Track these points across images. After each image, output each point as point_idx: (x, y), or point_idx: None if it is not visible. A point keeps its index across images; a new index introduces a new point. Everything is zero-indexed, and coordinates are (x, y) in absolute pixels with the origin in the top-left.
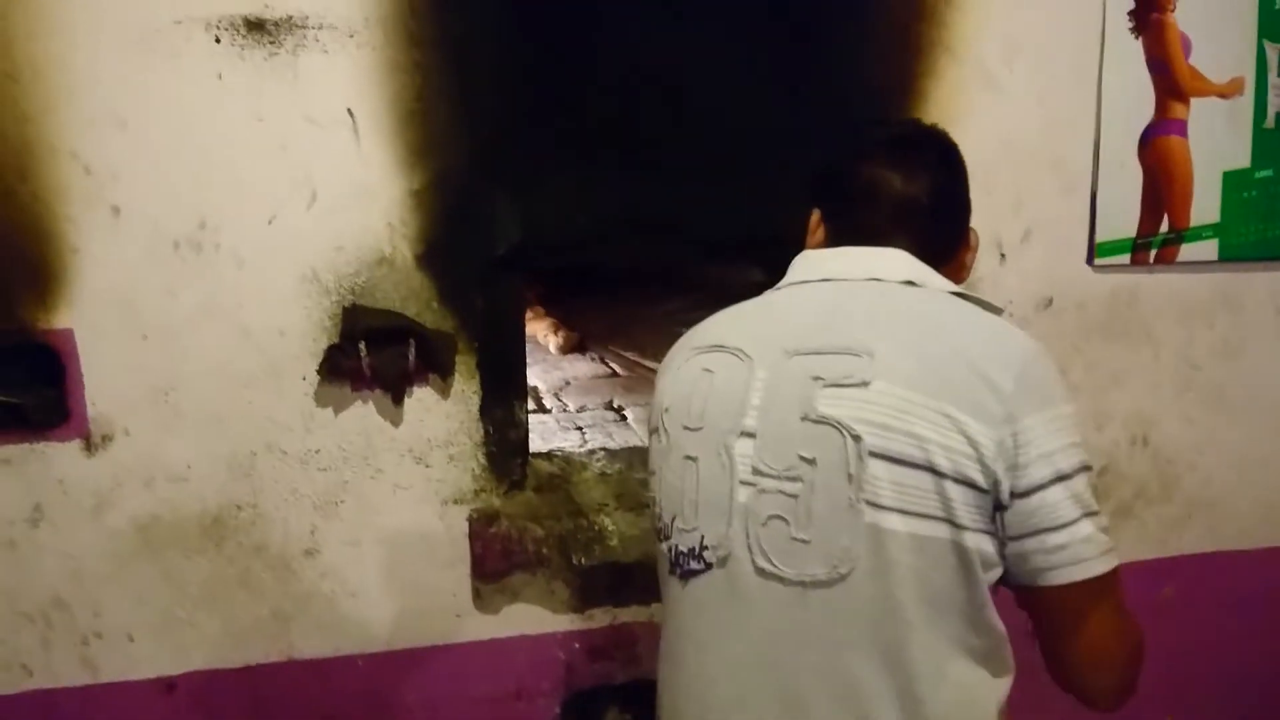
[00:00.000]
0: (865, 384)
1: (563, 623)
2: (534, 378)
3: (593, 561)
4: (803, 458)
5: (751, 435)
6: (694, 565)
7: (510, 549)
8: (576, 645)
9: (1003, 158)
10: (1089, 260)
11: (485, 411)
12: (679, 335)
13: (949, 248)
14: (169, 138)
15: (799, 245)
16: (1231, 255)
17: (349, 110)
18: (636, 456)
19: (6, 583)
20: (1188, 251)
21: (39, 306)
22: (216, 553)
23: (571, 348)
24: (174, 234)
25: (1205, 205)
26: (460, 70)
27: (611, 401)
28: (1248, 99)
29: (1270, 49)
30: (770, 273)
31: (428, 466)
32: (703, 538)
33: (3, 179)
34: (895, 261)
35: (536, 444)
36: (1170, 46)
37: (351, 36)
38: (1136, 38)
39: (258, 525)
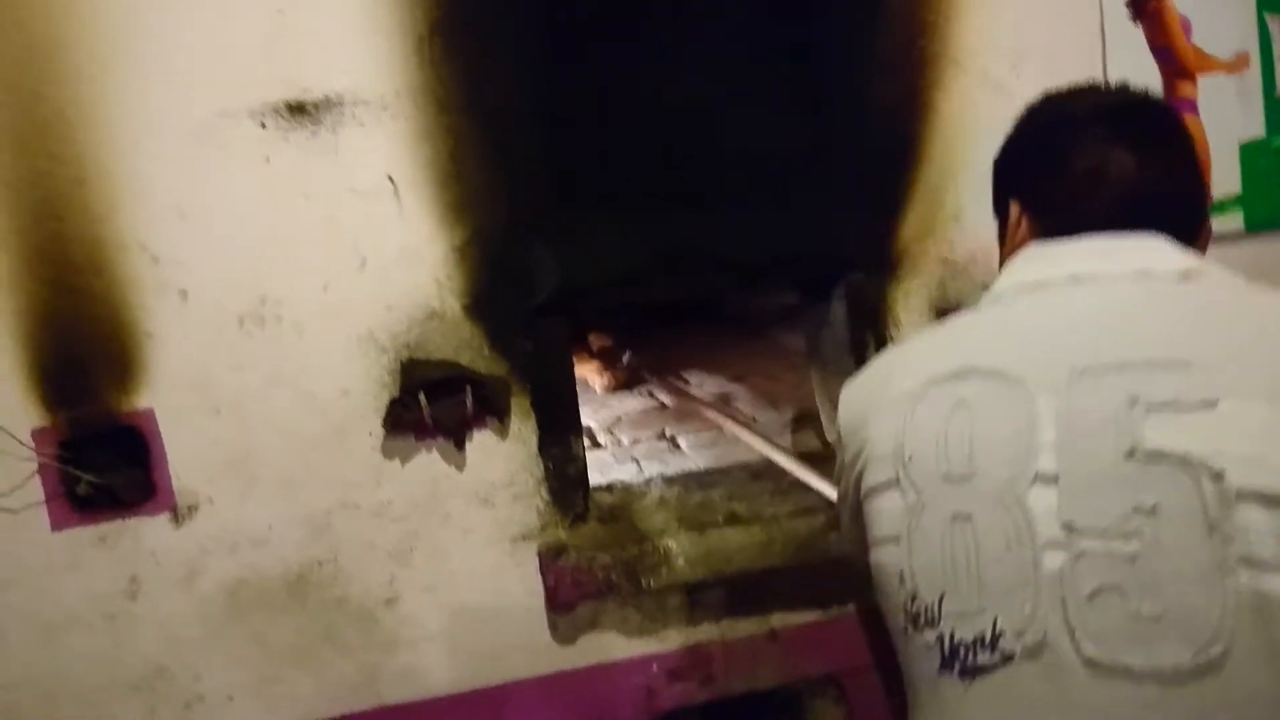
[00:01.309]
0: (1211, 404)
1: (638, 647)
2: (586, 417)
3: (661, 584)
4: (1138, 508)
5: (1052, 481)
6: (984, 658)
7: (580, 579)
8: (655, 668)
9: None
10: None
11: (543, 449)
12: (716, 360)
13: (1192, 237)
14: (226, 221)
15: (830, 260)
16: (1257, 226)
17: (389, 177)
18: (693, 480)
19: (109, 655)
20: (1213, 226)
21: (120, 390)
22: (301, 610)
23: (618, 386)
24: (238, 311)
25: (1225, 178)
26: (490, 130)
27: (663, 431)
28: (1255, 71)
29: (1272, 22)
30: (804, 292)
31: (493, 507)
32: (995, 621)
33: (80, 276)
34: (1162, 251)
35: (595, 478)
36: (1170, 29)
37: (385, 109)
38: (1136, 25)
39: (338, 580)
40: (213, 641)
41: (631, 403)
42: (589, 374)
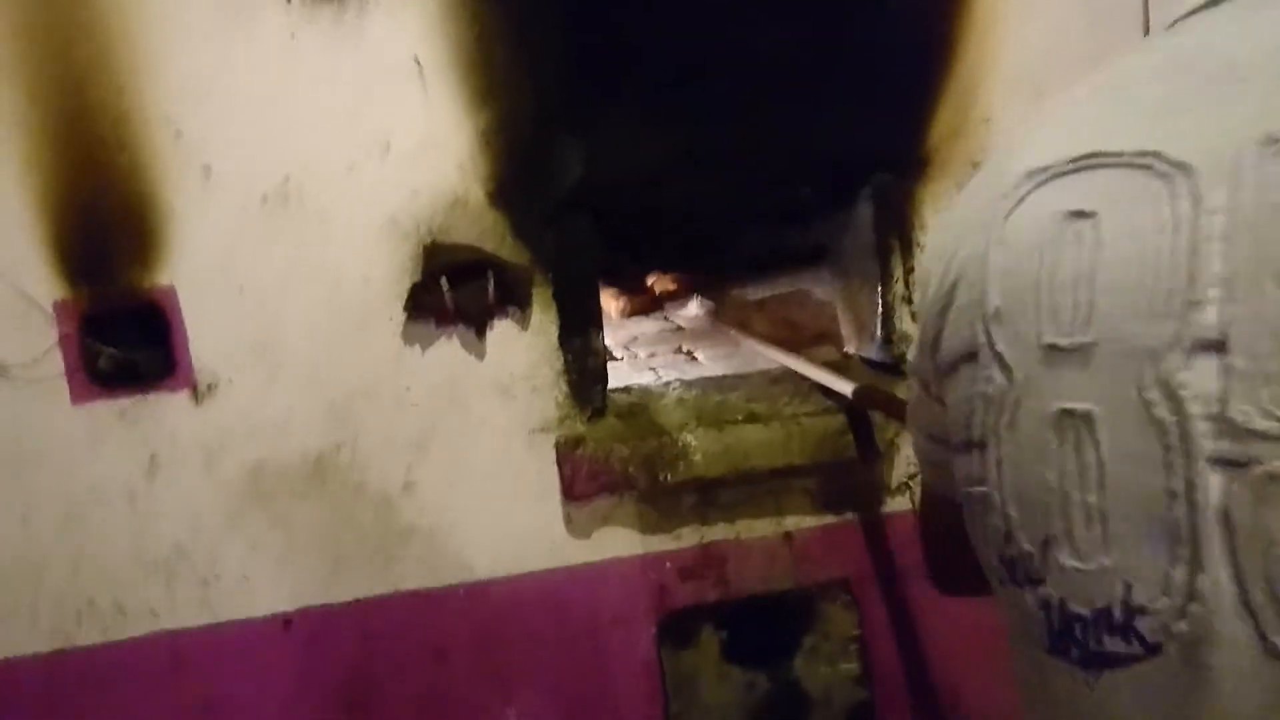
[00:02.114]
0: None
1: (653, 544)
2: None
3: (678, 479)
4: None
5: (1218, 347)
6: (1113, 644)
7: (597, 471)
8: (668, 565)
9: (1052, 62)
10: None
11: (564, 341)
12: (739, 299)
13: None
14: (250, 98)
15: (858, 160)
16: None
17: (415, 59)
18: (712, 384)
19: (132, 533)
20: None
21: (142, 267)
22: (319, 495)
23: (634, 312)
24: (261, 190)
25: None
26: (519, 15)
27: (680, 347)
28: None
29: None
30: (830, 193)
31: (512, 398)
32: (1129, 590)
33: (103, 149)
34: None
35: (613, 383)
36: None
37: None
38: None
39: (356, 466)
40: (231, 523)
41: (647, 325)
42: (605, 299)
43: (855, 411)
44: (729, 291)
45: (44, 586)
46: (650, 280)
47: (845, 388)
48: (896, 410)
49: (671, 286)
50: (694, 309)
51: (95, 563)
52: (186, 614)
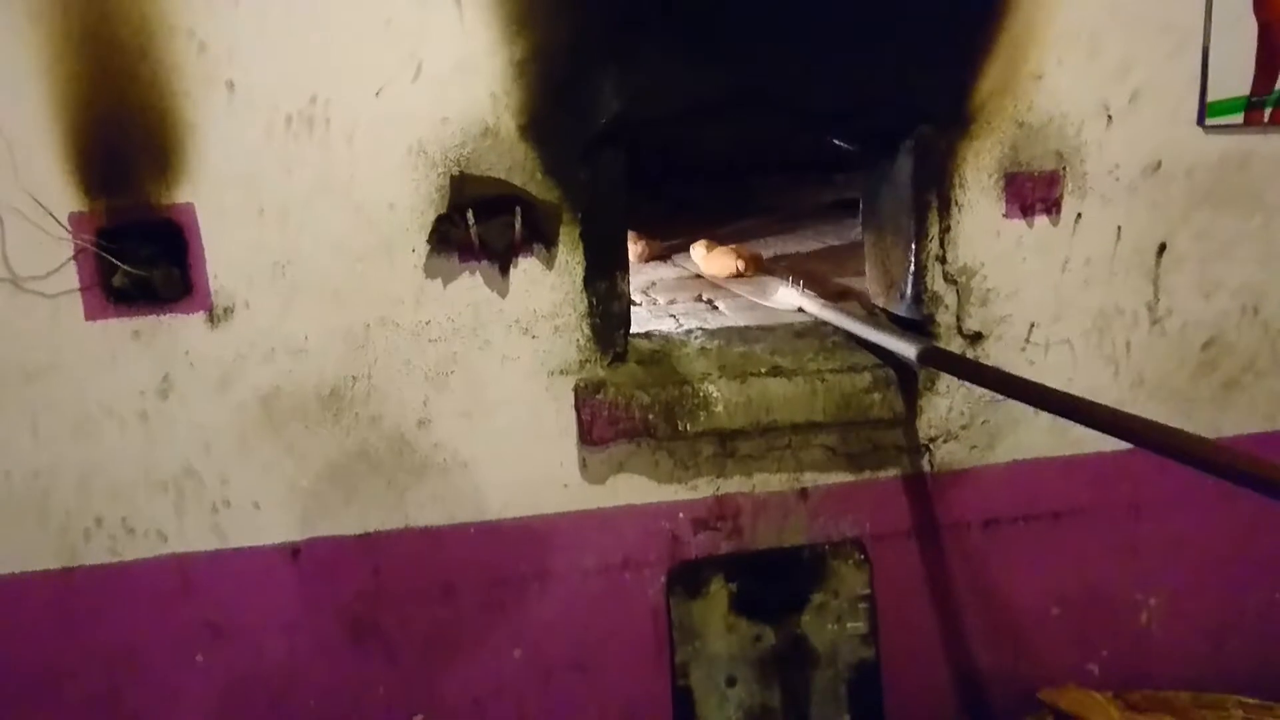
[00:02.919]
0: None
1: (667, 493)
2: None
3: (698, 429)
4: None
5: None
6: None
7: (616, 416)
8: (681, 515)
9: (1109, 20)
10: (1200, 120)
11: (589, 283)
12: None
13: None
14: (279, 12)
15: (902, 110)
16: None
17: None
18: (735, 334)
19: (142, 452)
20: None
21: (161, 182)
22: (335, 424)
23: (653, 256)
24: (286, 109)
25: None
26: None
27: (700, 295)
28: None
29: None
30: (869, 143)
31: (534, 338)
32: None
33: (124, 58)
34: None
35: (633, 329)
36: None
37: None
38: None
39: (373, 398)
40: (243, 448)
41: (665, 271)
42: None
43: (906, 372)
44: (755, 240)
45: (52, 502)
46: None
47: (908, 349)
48: (966, 371)
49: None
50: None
51: (104, 480)
52: (195, 538)
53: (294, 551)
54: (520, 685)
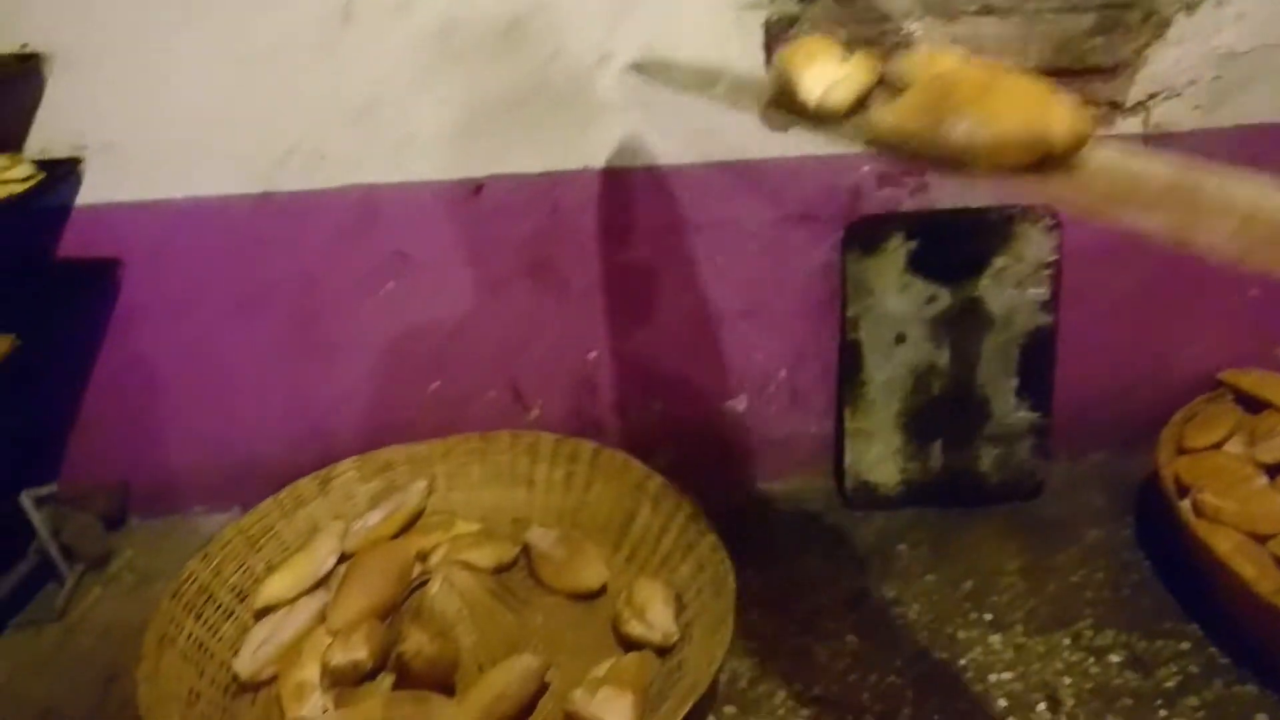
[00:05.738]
0: None
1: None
2: None
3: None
4: None
5: None
6: None
7: None
8: (866, 169)
9: None
10: None
11: None
12: None
13: None
14: None
15: None
16: None
17: None
18: None
19: (326, 83)
20: None
21: None
22: (514, 58)
23: None
24: None
25: None
26: None
27: None
28: None
29: None
30: None
31: None
32: None
33: None
34: None
35: None
36: None
37: None
38: None
39: (552, 30)
40: (424, 81)
41: None
42: None
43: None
44: None
45: (244, 129)
46: None
47: None
48: None
49: None
50: None
51: (295, 108)
52: (382, 170)
53: (476, 188)
54: (691, 329)
